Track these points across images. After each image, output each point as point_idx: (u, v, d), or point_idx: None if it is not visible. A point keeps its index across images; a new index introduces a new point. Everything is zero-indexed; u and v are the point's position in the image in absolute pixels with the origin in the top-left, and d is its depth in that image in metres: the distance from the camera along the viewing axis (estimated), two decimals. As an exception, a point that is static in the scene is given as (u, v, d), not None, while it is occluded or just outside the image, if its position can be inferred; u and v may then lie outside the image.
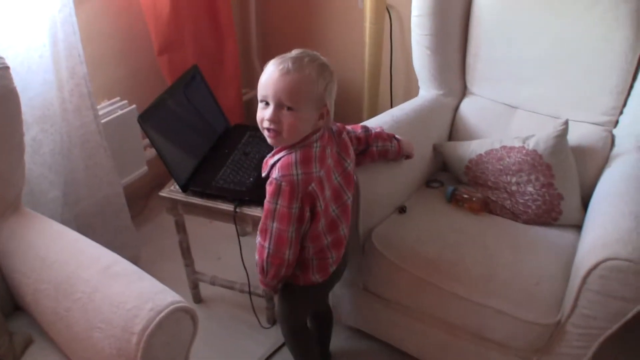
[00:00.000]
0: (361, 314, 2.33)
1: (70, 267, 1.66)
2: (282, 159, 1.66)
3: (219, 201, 2.18)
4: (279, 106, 1.60)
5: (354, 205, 2.02)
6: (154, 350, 1.47)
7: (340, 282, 2.17)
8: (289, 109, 1.59)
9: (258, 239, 1.73)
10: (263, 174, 1.75)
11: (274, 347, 2.43)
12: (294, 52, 1.64)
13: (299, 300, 1.99)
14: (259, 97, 1.64)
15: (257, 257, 1.76)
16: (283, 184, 1.62)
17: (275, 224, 1.66)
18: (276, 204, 1.64)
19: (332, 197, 1.74)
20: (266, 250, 1.70)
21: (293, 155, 1.65)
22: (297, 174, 1.62)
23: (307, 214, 1.68)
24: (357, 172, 1.99)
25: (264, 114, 1.63)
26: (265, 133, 1.66)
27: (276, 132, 1.63)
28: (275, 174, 1.65)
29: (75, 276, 1.63)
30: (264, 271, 1.75)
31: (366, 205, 2.09)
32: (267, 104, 1.62)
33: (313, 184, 1.64)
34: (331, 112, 1.69)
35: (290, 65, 1.59)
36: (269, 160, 1.73)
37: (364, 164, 2.05)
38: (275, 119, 1.61)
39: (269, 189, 1.66)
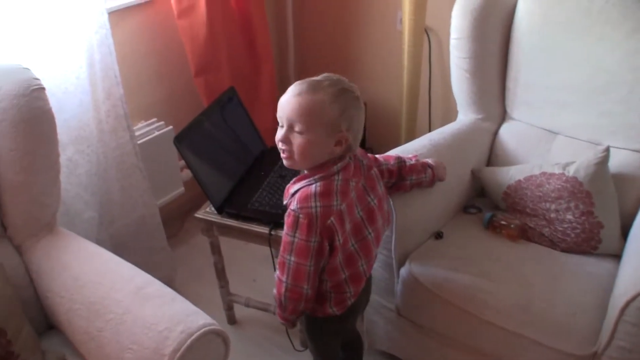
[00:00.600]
0: (394, 339, 2.30)
1: (103, 288, 1.68)
2: (302, 190, 1.63)
3: (254, 223, 2.19)
4: (289, 128, 1.60)
5: (389, 230, 2.01)
6: (185, 372, 1.47)
7: (374, 306, 2.14)
8: (299, 131, 1.58)
9: (277, 272, 1.71)
10: (284, 202, 1.72)
11: (307, 370, 2.41)
12: (320, 76, 1.63)
13: (321, 332, 1.96)
14: (278, 118, 1.64)
15: (275, 291, 1.74)
16: (301, 216, 1.59)
17: (293, 258, 1.63)
18: (294, 236, 1.61)
19: (352, 231, 1.70)
20: (284, 285, 1.68)
21: (313, 186, 1.62)
22: (316, 207, 1.59)
23: (327, 248, 1.64)
24: (392, 197, 1.98)
25: (277, 135, 1.63)
26: (281, 154, 1.65)
27: (289, 153, 1.62)
28: (293, 205, 1.62)
29: (108, 297, 1.65)
30: (282, 305, 1.73)
31: (401, 231, 2.06)
32: (283, 125, 1.62)
33: (332, 218, 1.60)
34: (355, 140, 1.66)
35: (305, 87, 1.59)
36: (290, 188, 1.71)
37: (397, 194, 2.02)
38: (285, 140, 1.61)
39: (287, 220, 1.63)
